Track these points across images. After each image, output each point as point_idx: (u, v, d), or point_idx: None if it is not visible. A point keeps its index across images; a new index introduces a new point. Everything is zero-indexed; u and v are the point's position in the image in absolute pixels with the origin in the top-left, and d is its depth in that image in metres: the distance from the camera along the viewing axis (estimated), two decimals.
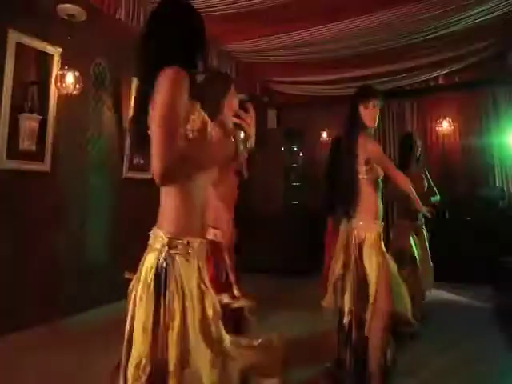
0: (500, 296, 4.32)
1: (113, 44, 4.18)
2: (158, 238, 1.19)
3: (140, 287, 1.16)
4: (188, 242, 1.18)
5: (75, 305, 3.79)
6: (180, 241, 1.17)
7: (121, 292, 4.81)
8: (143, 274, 1.18)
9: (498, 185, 5.72)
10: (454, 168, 5.77)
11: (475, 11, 3.56)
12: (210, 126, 1.28)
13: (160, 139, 1.08)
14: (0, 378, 2.62)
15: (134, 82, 4.49)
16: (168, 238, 1.17)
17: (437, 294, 4.15)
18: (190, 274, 1.16)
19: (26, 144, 3.42)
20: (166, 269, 1.14)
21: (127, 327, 1.17)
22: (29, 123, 3.41)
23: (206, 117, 1.27)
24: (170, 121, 1.10)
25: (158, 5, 1.32)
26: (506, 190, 5.67)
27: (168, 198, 1.22)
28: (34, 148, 3.48)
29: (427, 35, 3.83)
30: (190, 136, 1.20)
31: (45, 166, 3.61)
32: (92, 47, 4.04)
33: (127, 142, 4.49)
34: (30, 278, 3.46)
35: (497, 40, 4.37)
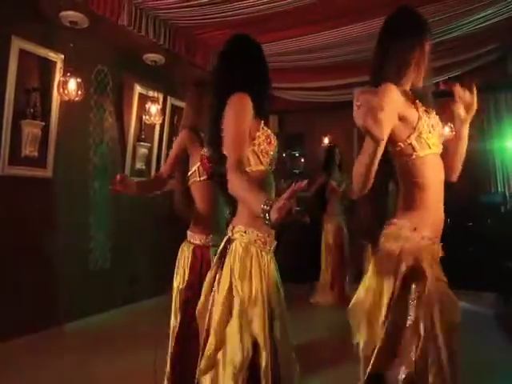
0: (502, 302, 4.29)
1: (115, 51, 4.21)
2: None
3: None
4: None
5: (77, 310, 3.80)
6: None
7: (123, 297, 4.81)
8: None
9: (499, 190, 5.70)
10: None
11: (476, 17, 3.57)
12: (274, 138, 1.55)
13: (229, 152, 1.38)
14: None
15: (137, 89, 4.52)
16: None
17: None
18: None
19: (29, 150, 3.43)
20: None
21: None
22: (31, 129, 3.42)
23: (269, 131, 1.54)
24: (236, 137, 1.39)
25: (229, 43, 1.59)
26: (507, 195, 5.65)
27: None
28: (36, 154, 3.49)
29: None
30: (258, 150, 1.48)
31: (47, 172, 3.62)
32: (94, 54, 4.06)
33: (129, 147, 4.51)
34: (32, 284, 3.45)
35: (498, 46, 4.38)
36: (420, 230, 1.38)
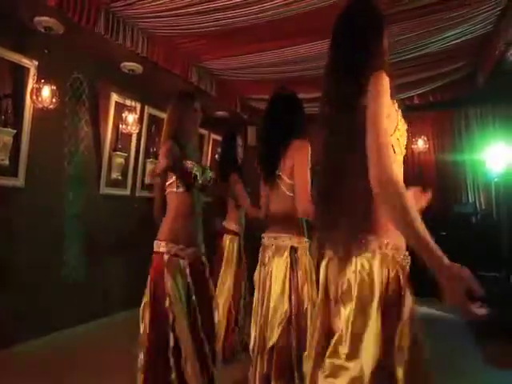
0: None
1: (91, 58, 4.13)
2: None
3: None
4: None
5: (50, 323, 3.66)
6: None
7: (97, 310, 4.65)
8: None
9: (470, 201, 5.88)
10: (430, 184, 5.90)
11: (446, 35, 3.71)
12: None
13: None
14: None
15: (113, 98, 4.46)
16: None
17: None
18: None
19: None
20: None
21: None
22: (2, 137, 3.31)
23: None
24: None
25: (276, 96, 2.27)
26: (478, 205, 5.84)
27: None
28: (7, 162, 3.38)
29: (403, 56, 3.95)
30: None
31: (19, 182, 3.50)
32: (69, 61, 3.99)
33: (105, 157, 4.43)
34: (4, 296, 3.31)
35: (467, 62, 4.55)
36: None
